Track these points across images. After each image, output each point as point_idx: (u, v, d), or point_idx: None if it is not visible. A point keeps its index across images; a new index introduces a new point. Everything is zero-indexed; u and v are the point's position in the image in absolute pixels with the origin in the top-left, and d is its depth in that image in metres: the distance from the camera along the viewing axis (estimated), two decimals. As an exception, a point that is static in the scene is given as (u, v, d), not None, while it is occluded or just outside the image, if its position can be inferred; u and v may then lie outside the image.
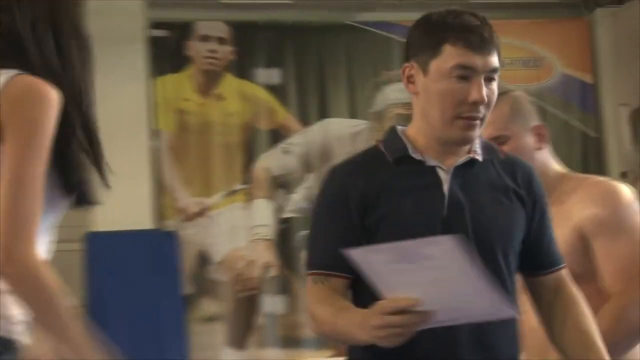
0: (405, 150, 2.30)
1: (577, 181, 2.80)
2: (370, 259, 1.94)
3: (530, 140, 2.81)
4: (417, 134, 2.32)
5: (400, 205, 2.23)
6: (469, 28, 2.29)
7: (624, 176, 7.55)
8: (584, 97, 7.79)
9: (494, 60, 2.30)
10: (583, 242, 2.69)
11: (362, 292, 2.14)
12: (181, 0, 7.14)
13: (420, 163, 2.29)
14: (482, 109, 2.28)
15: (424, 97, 2.29)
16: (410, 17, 7.72)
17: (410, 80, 2.32)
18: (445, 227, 2.16)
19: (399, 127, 2.40)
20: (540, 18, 7.74)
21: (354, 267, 2.03)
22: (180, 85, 7.07)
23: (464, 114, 2.26)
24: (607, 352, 2.29)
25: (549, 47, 7.74)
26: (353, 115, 7.34)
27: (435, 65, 2.25)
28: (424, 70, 2.28)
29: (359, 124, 7.30)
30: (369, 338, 2.04)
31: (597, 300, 2.57)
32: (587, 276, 2.61)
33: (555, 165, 2.85)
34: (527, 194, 2.34)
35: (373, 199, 2.24)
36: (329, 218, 2.29)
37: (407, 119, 7.00)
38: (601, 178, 2.88)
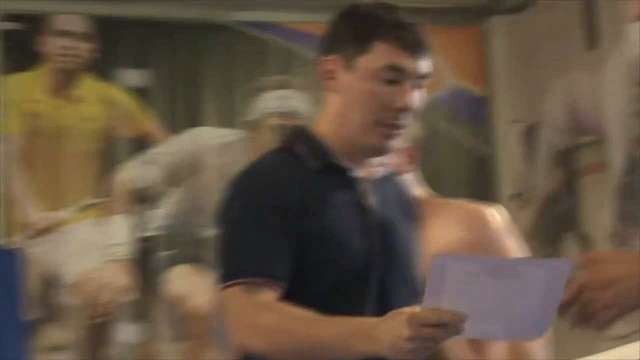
0: (329, 157, 2.23)
1: (441, 205, 2.82)
2: (452, 266, 1.92)
3: (398, 160, 2.76)
4: (333, 138, 2.24)
5: (330, 220, 2.18)
6: (404, 26, 2.27)
7: (515, 197, 7.71)
8: (476, 111, 7.88)
9: (427, 65, 2.29)
10: None
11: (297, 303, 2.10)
12: None
13: (343, 172, 2.24)
14: (406, 117, 2.27)
15: (345, 96, 2.21)
16: (290, 18, 7.87)
17: (329, 75, 2.23)
18: (378, 246, 2.18)
19: (309, 128, 2.31)
20: (431, 24, 7.54)
21: (287, 276, 2.09)
22: (31, 85, 6.85)
23: (386, 120, 2.22)
24: None
25: (440, 56, 7.54)
26: (226, 123, 7.24)
27: (363, 62, 2.19)
28: (349, 66, 2.20)
29: (232, 134, 7.19)
30: (384, 349, 1.94)
31: None
32: None
33: (419, 190, 2.84)
34: (412, 215, 2.40)
35: (301, 210, 2.17)
36: (258, 224, 2.16)
37: (283, 129, 7.09)
38: (465, 201, 2.90)
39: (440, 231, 2.69)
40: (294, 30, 7.45)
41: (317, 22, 7.22)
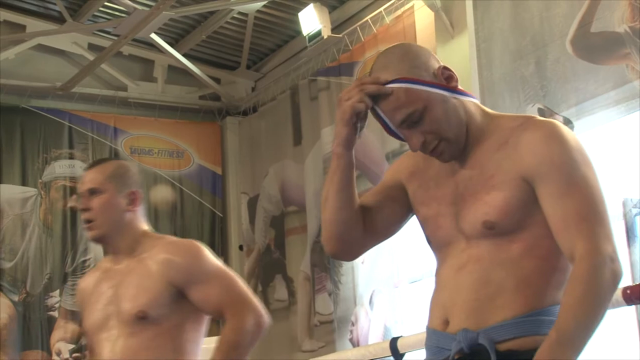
0: None
1: (157, 239, 2.84)
2: None
3: (123, 201, 2.83)
4: None
5: None
6: None
7: (241, 248, 8.45)
8: (215, 184, 8.64)
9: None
10: (170, 290, 2.73)
11: None
12: None
13: None
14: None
15: None
16: (77, 107, 8.31)
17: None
18: None
19: None
20: (183, 119, 8.65)
21: None
22: None
23: None
24: None
25: (189, 143, 8.63)
26: (24, 183, 7.79)
27: None
28: None
29: (28, 191, 7.78)
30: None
31: (165, 337, 2.73)
32: (161, 318, 2.73)
33: (143, 226, 2.88)
34: None
35: None
36: None
37: (70, 190, 7.65)
38: (175, 238, 2.90)
39: (160, 260, 2.75)
40: (79, 116, 8.16)
41: (97, 111, 8.30)
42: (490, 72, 5.98)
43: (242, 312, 2.72)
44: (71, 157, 8.02)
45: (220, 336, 2.73)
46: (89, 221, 2.82)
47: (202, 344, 2.84)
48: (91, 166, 2.91)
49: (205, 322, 2.84)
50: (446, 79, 2.08)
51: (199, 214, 8.40)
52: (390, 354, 4.30)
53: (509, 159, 2.03)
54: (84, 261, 7.94)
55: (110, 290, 2.80)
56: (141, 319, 2.70)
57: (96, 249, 7.81)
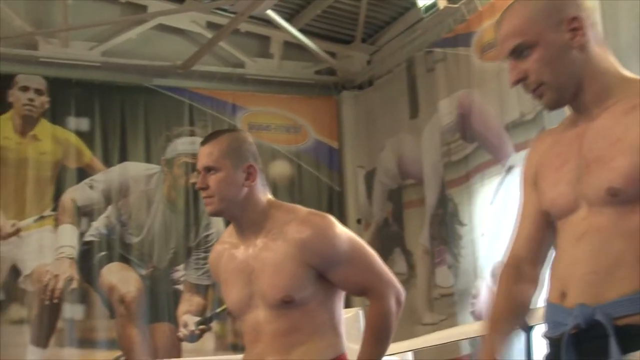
0: None
1: (287, 213, 2.73)
2: None
3: (240, 176, 2.73)
4: None
5: None
6: None
7: (359, 222, 8.44)
8: (331, 159, 8.65)
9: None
10: (310, 272, 2.65)
11: None
12: (5, 55, 7.57)
13: None
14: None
15: None
16: (196, 85, 8.53)
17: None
18: None
19: None
20: (299, 95, 8.70)
21: None
22: (1, 126, 7.50)
23: None
24: None
25: (306, 118, 8.65)
26: (148, 160, 7.95)
27: None
28: None
29: (152, 168, 7.92)
30: None
31: (312, 315, 2.67)
32: (305, 299, 2.65)
33: (265, 198, 2.77)
34: None
35: None
36: None
37: (192, 167, 7.89)
38: (306, 212, 2.74)
39: (293, 236, 2.65)
40: (199, 94, 8.25)
41: (216, 89, 8.39)
42: (617, 38, 5.73)
43: (384, 293, 2.70)
44: (192, 134, 8.12)
45: (368, 321, 2.72)
46: (207, 198, 2.75)
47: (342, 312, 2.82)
48: (206, 141, 2.79)
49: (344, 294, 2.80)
50: (571, 30, 2.00)
51: (317, 188, 8.42)
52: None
53: (638, 124, 1.91)
54: (207, 236, 8.03)
55: (249, 269, 2.72)
56: (286, 302, 2.66)
57: (219, 224, 7.93)
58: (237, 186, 2.71)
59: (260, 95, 8.53)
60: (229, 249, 2.80)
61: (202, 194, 2.72)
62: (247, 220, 2.73)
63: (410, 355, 4.91)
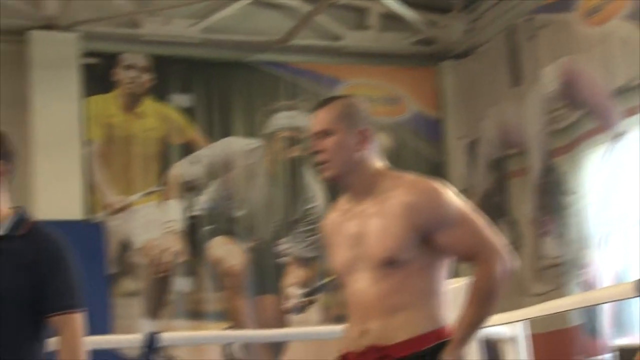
0: None
1: (396, 178, 2.74)
2: None
3: (353, 140, 2.75)
4: None
5: None
6: None
7: (462, 193, 8.32)
8: (431, 130, 8.60)
9: None
10: (415, 233, 2.64)
11: None
12: (110, 35, 7.76)
13: None
14: None
15: None
16: (295, 59, 8.57)
17: None
18: None
19: None
20: (398, 66, 8.63)
21: None
22: (108, 104, 7.68)
23: None
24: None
25: (404, 89, 8.61)
26: (249, 135, 8.03)
27: None
28: None
29: (253, 143, 8.00)
30: None
31: (414, 279, 2.65)
32: (408, 262, 2.64)
33: (377, 164, 2.78)
34: (36, 255, 2.56)
35: None
36: None
37: (291, 141, 7.95)
38: (415, 177, 2.77)
39: (402, 200, 2.63)
40: (298, 68, 8.29)
41: (315, 62, 8.40)
42: None
43: (491, 258, 2.63)
44: (291, 108, 8.15)
45: (472, 284, 2.66)
46: (322, 163, 2.76)
47: (447, 282, 2.78)
48: (320, 106, 2.81)
49: (450, 260, 2.76)
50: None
51: (417, 160, 8.36)
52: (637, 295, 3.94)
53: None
54: (309, 209, 8.07)
55: (355, 231, 2.74)
56: (390, 263, 2.65)
57: (321, 198, 7.95)
58: (350, 150, 2.73)
59: (358, 67, 8.51)
60: (340, 214, 2.83)
61: (317, 159, 2.74)
62: (358, 185, 2.74)
63: (521, 325, 4.83)
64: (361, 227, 2.72)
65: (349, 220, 2.77)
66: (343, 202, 2.85)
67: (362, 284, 2.68)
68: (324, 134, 2.74)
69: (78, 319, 2.62)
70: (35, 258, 2.57)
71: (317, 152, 2.74)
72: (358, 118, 2.77)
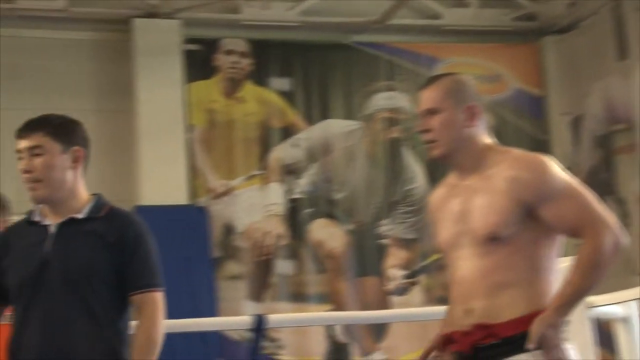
0: (30, 215, 2.74)
1: (502, 153, 2.72)
2: None
3: (461, 117, 2.72)
4: None
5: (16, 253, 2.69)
6: (22, 124, 2.76)
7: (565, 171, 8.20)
8: (534, 107, 8.45)
9: (32, 140, 2.69)
10: (520, 208, 2.60)
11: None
12: (210, 21, 7.84)
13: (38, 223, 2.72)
14: (31, 177, 2.65)
15: None
16: (394, 39, 8.50)
17: None
18: (42, 263, 2.65)
19: None
20: (499, 43, 8.50)
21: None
22: (210, 90, 7.79)
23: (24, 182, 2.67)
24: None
25: (506, 67, 8.47)
26: (348, 117, 8.05)
27: None
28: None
29: (352, 125, 8.03)
30: None
31: (519, 256, 2.61)
32: (513, 238, 2.60)
33: (485, 140, 2.76)
34: (116, 237, 2.65)
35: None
36: None
37: (390, 122, 7.91)
38: (522, 152, 2.73)
39: (507, 175, 2.61)
40: (397, 48, 8.25)
41: (414, 42, 8.34)
42: None
43: (599, 232, 2.56)
44: (390, 89, 8.12)
45: (577, 256, 2.58)
46: (430, 142, 2.74)
47: (557, 261, 2.70)
48: (427, 84, 2.79)
49: (559, 238, 2.69)
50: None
51: (519, 138, 8.14)
52: None
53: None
54: (409, 190, 8.03)
55: (459, 207, 2.72)
56: (493, 239, 2.61)
57: (421, 178, 7.90)
58: (459, 127, 2.71)
59: (457, 45, 8.41)
60: (446, 191, 2.82)
61: (424, 137, 2.72)
62: (465, 161, 2.72)
63: (634, 304, 4.63)
64: (466, 203, 2.70)
65: (455, 197, 2.75)
66: (451, 179, 2.83)
67: (466, 262, 2.66)
68: (431, 112, 2.72)
69: (158, 298, 2.67)
70: (116, 239, 2.65)
71: (424, 132, 2.73)
72: (465, 94, 2.75)
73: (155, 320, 2.68)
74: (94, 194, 2.77)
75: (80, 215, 2.69)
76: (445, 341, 2.68)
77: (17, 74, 7.36)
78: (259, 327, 4.17)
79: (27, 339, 2.61)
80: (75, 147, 2.72)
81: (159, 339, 2.69)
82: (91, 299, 2.62)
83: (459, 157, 2.74)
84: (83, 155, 2.75)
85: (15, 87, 7.28)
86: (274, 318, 4.46)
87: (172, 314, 5.50)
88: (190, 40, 7.79)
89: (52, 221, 2.67)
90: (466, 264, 2.66)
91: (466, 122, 2.70)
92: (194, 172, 7.66)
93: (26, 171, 2.66)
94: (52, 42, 7.57)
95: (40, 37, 7.53)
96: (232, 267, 7.60)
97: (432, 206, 2.87)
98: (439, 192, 2.86)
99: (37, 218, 2.71)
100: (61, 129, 2.71)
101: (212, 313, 6.80)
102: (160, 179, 7.37)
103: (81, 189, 2.75)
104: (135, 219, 2.74)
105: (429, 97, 2.74)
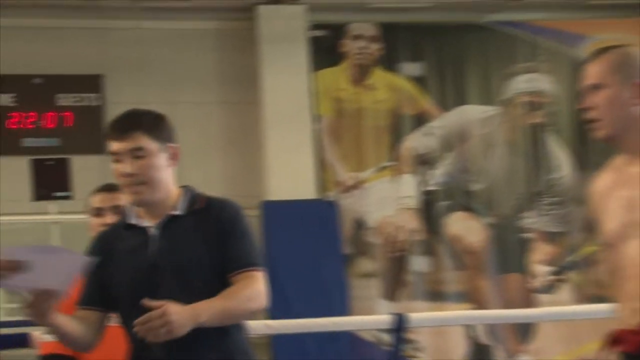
0: (125, 218, 2.68)
1: None
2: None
3: (627, 94, 2.57)
4: None
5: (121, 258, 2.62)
6: (111, 122, 2.66)
7: None
8: None
9: (132, 141, 2.58)
10: None
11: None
12: (336, 5, 7.66)
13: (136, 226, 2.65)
14: (135, 180, 2.56)
15: None
16: (534, 16, 8.15)
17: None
18: (151, 266, 2.58)
19: None
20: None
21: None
22: (337, 77, 7.61)
23: (124, 185, 2.60)
24: None
25: None
26: (485, 102, 7.73)
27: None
28: None
29: (490, 110, 7.70)
30: None
31: None
32: None
33: None
34: (215, 225, 2.59)
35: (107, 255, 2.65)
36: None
37: (531, 105, 7.53)
38: None
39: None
40: (537, 26, 7.85)
41: (556, 19, 7.90)
42: None
43: None
44: (531, 70, 7.77)
45: None
46: (593, 121, 2.58)
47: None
48: (592, 58, 2.63)
49: None
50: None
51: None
52: None
53: None
54: (554, 179, 7.67)
55: (627, 196, 2.54)
56: None
57: (567, 167, 7.54)
58: (625, 105, 2.54)
59: (605, 21, 7.93)
60: (612, 176, 2.63)
61: (587, 116, 2.56)
62: (633, 144, 2.56)
63: None
64: (635, 190, 2.51)
65: (622, 183, 2.57)
66: (617, 163, 2.65)
67: (632, 255, 2.47)
68: (595, 88, 2.56)
69: (259, 275, 2.58)
70: (216, 227, 2.62)
71: (587, 109, 2.57)
72: (634, 70, 2.57)
73: (254, 288, 2.55)
74: (182, 187, 2.69)
75: (178, 212, 2.63)
76: (612, 340, 2.51)
77: (141, 67, 7.34)
78: (400, 326, 4.06)
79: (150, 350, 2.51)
80: (170, 144, 2.66)
81: (251, 302, 2.55)
82: (205, 296, 2.53)
83: (625, 139, 2.58)
84: (178, 152, 2.69)
85: (138, 80, 7.27)
86: (414, 317, 4.38)
87: (303, 312, 5.33)
88: (316, 26, 7.64)
89: (150, 222, 2.63)
90: (633, 260, 2.48)
91: (634, 100, 2.54)
92: (322, 165, 7.50)
93: (129, 175, 2.57)
94: (175, 34, 7.52)
95: (163, 28, 7.49)
96: (364, 264, 7.40)
97: (595, 194, 2.67)
98: (603, 178, 2.67)
99: (133, 220, 2.66)
100: (156, 127, 2.64)
101: (344, 312, 6.66)
102: (288, 173, 7.24)
103: (173, 185, 2.68)
104: (229, 203, 2.68)
105: (593, 71, 2.58)
